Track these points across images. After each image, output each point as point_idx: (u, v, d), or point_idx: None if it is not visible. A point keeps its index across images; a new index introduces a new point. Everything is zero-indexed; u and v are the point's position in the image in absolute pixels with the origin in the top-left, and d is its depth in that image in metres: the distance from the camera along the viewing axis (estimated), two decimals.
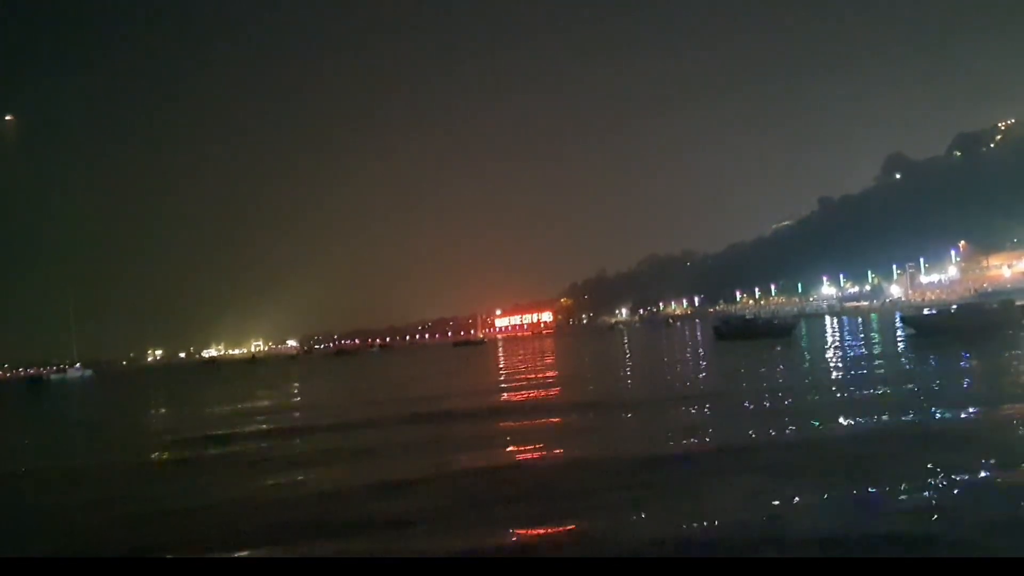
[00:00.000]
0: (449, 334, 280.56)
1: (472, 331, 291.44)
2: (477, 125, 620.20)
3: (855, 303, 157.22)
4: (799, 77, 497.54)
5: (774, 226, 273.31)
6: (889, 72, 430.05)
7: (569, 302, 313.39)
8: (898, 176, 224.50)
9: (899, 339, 39.78)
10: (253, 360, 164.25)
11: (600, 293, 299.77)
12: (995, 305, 41.34)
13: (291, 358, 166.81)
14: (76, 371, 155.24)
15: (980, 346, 29.86)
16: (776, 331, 54.76)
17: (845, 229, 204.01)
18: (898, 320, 46.11)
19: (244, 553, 7.36)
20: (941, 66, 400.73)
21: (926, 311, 50.71)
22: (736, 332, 56.54)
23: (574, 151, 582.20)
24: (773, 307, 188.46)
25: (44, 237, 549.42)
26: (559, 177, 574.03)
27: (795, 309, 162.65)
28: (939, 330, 38.61)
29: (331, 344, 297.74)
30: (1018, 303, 41.11)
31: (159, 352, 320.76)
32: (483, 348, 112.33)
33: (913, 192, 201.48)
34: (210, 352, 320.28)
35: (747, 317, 70.74)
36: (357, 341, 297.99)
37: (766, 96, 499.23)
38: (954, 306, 47.75)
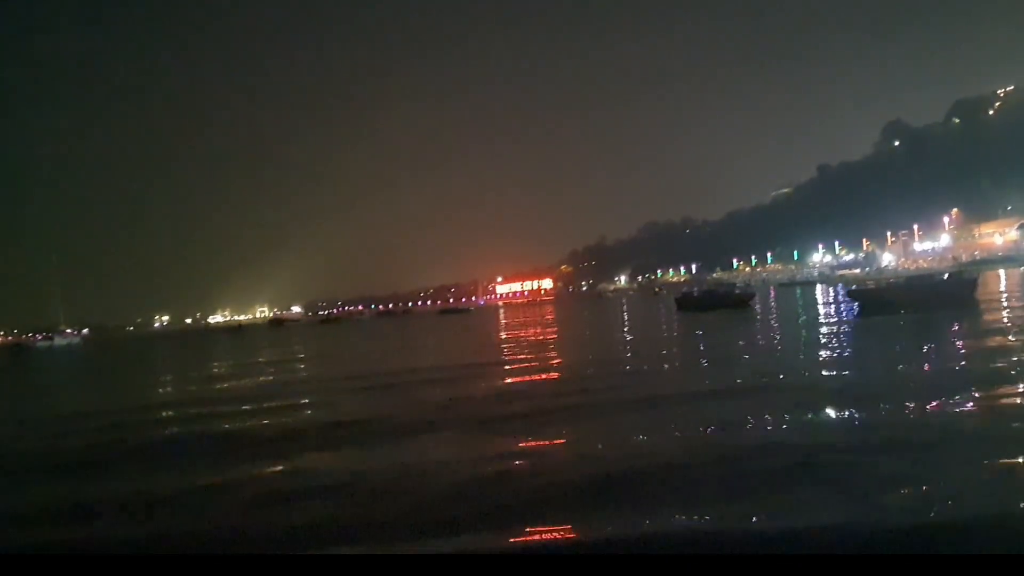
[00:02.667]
0: (451, 300, 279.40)
1: (473, 298, 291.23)
2: (483, 94, 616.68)
3: (848, 271, 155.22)
4: (799, 45, 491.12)
5: (773, 193, 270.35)
6: (889, 39, 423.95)
7: (569, 269, 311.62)
8: (897, 143, 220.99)
9: (839, 314, 38.46)
10: (239, 328, 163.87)
11: (600, 260, 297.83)
12: (945, 278, 39.76)
13: (279, 324, 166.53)
14: (63, 338, 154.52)
15: (915, 322, 28.36)
16: (735, 302, 53.57)
17: (843, 196, 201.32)
18: (843, 293, 44.66)
19: (242, 551, 6.98)
20: (942, 32, 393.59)
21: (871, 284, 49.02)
22: (696, 303, 55.33)
23: (576, 120, 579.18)
24: (766, 275, 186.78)
25: (47, 203, 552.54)
26: (561, 145, 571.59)
27: (787, 277, 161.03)
28: (886, 304, 36.92)
29: (335, 310, 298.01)
30: (968, 276, 39.56)
31: (166, 318, 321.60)
32: (470, 316, 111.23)
33: (911, 159, 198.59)
34: (216, 318, 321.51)
35: (708, 288, 69.46)
36: (361, 307, 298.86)
37: (766, 64, 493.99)
38: (902, 278, 46.18)
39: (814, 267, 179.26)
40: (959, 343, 20.76)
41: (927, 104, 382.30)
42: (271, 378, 28.88)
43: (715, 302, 53.44)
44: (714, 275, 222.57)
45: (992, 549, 5.66)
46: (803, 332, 29.41)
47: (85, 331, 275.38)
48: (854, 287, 46.03)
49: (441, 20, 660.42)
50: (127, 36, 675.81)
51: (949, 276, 39.83)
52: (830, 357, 19.83)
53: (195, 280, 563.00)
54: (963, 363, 16.50)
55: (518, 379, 20.23)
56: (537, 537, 6.67)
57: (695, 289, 75.94)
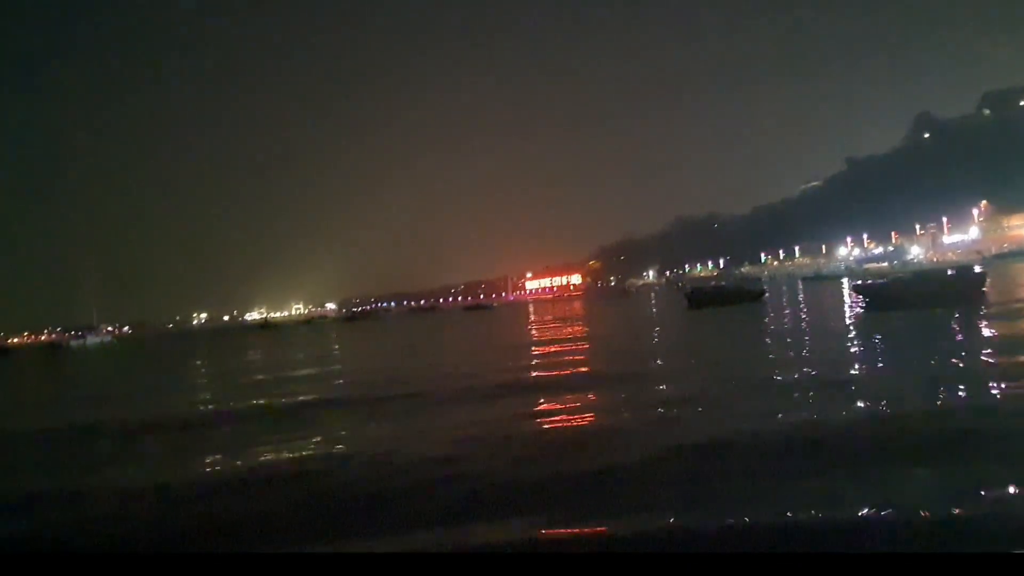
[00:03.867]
0: (481, 296, 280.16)
1: (504, 293, 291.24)
2: (513, 91, 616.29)
3: (875, 264, 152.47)
4: (828, 38, 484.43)
5: (801, 187, 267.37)
6: (919, 30, 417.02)
7: (598, 264, 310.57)
8: (926, 135, 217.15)
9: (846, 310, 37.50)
10: (265, 326, 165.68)
11: (629, 255, 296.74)
12: (952, 273, 38.71)
13: (306, 323, 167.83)
14: (96, 336, 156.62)
15: (918, 323, 27.31)
16: (746, 297, 52.78)
17: (872, 189, 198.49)
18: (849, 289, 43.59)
19: (241, 549, 6.83)
20: (972, 23, 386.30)
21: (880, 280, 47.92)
22: (707, 299, 54.48)
23: (606, 116, 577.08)
24: (792, 269, 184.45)
25: (92, 203, 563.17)
26: (591, 141, 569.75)
27: (813, 271, 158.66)
28: (892, 300, 35.91)
29: (367, 307, 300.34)
30: (977, 270, 38.43)
31: (204, 315, 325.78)
32: (493, 313, 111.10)
33: (941, 151, 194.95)
34: (252, 315, 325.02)
35: (719, 284, 68.81)
36: (393, 304, 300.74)
37: (794, 58, 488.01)
38: (908, 274, 45.12)
39: (840, 261, 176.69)
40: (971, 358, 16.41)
41: (957, 96, 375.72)
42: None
43: (726, 298, 52.70)
44: (742, 269, 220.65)
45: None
46: (806, 334, 28.02)
47: (126, 328, 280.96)
48: (860, 283, 45.02)
49: (479, 13, 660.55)
50: (160, 30, 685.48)
51: (956, 271, 38.83)
52: (832, 374, 15.51)
53: (234, 278, 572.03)
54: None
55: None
56: (538, 536, 6.44)
57: (714, 283, 75.27)
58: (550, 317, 64.94)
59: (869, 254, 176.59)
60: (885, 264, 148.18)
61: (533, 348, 31.43)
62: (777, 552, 4.94)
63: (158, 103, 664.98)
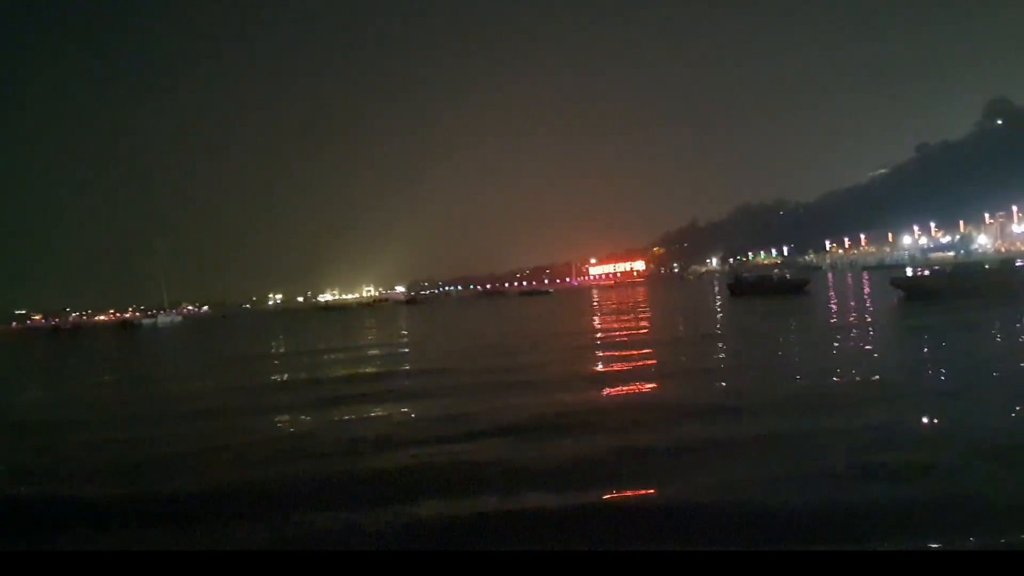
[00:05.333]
0: (546, 281, 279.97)
1: (567, 279, 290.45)
2: (585, 78, 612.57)
3: (940, 253, 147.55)
4: (900, 23, 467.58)
5: (870, 174, 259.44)
6: (992, 14, 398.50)
7: (662, 251, 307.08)
8: (1000, 121, 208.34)
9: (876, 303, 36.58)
10: (328, 308, 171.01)
11: (692, 242, 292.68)
12: (993, 266, 37.54)
13: (368, 305, 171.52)
14: (166, 316, 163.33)
15: (956, 313, 26.54)
16: (789, 288, 51.95)
17: (942, 177, 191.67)
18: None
19: (242, 548, 7.02)
20: None
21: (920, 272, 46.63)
22: (747, 289, 53.89)
23: (672, 102, 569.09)
24: (855, 257, 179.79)
25: (174, 185, 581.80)
26: (657, 127, 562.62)
27: (877, 260, 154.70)
28: (930, 293, 35.16)
29: (434, 290, 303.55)
30: (1018, 263, 37.25)
31: (279, 296, 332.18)
32: (549, 299, 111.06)
33: (1014, 138, 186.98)
34: (325, 297, 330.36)
35: (763, 274, 67.62)
36: (459, 288, 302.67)
37: (865, 43, 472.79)
38: (949, 267, 43.75)
39: (906, 250, 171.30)
40: None
41: None
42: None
43: (767, 288, 52.03)
44: (805, 257, 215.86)
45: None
46: (832, 332, 24.18)
47: (205, 308, 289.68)
48: (897, 275, 43.90)
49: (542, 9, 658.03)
50: (238, 18, 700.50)
51: (997, 264, 37.72)
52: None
53: (311, 259, 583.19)
54: None
55: None
56: (537, 534, 6.62)
57: (777, 271, 74.18)
58: (594, 305, 64.73)
59: (936, 243, 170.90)
60: (951, 253, 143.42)
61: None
62: (777, 551, 5.25)
63: (236, 86, 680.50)
